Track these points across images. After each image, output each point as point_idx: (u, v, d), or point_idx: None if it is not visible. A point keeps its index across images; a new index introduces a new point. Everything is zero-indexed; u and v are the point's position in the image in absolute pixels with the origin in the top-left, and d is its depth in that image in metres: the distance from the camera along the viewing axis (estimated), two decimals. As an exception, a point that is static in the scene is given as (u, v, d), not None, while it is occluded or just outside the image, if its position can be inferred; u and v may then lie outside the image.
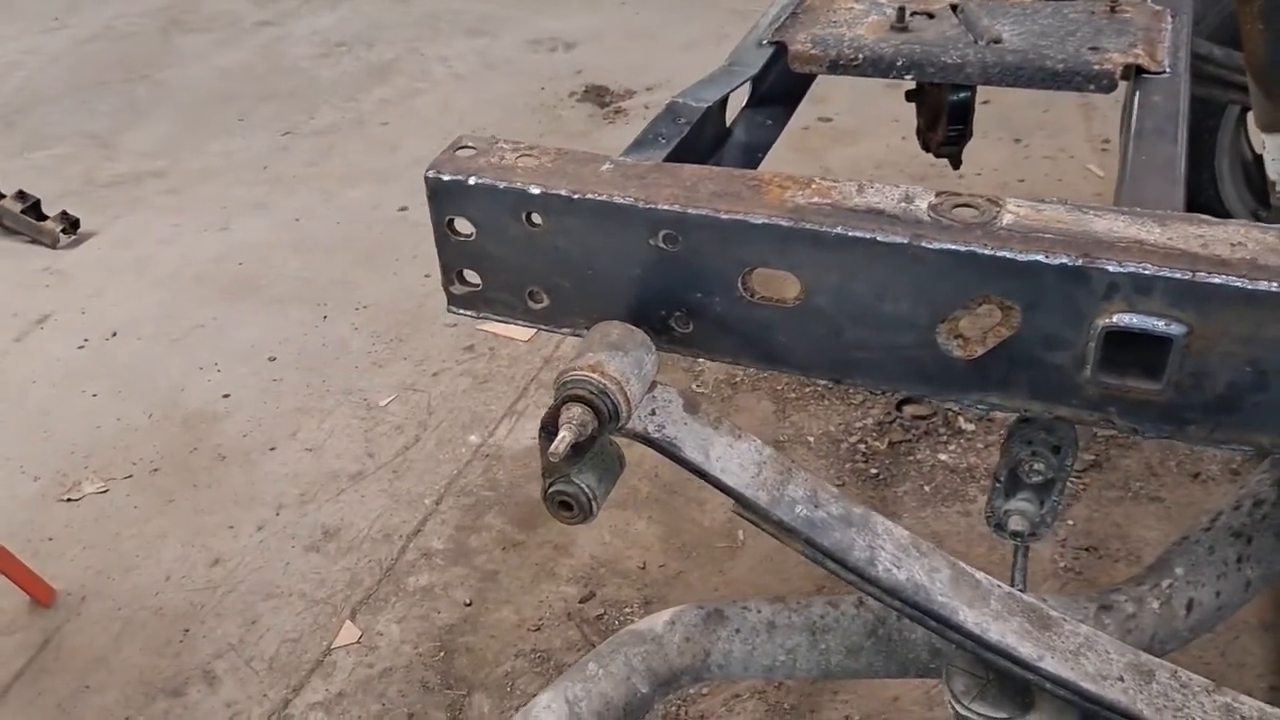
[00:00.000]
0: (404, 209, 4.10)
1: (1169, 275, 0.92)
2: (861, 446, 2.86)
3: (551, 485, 1.11)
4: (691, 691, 2.27)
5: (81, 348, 3.50)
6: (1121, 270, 0.93)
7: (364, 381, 3.26)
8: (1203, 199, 2.90)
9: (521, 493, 2.82)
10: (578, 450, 1.03)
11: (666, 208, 1.07)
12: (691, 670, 1.31)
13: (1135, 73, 1.40)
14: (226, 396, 3.23)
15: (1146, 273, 0.92)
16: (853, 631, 1.31)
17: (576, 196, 1.10)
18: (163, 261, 3.93)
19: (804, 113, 1.75)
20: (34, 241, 4.05)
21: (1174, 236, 0.96)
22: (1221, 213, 2.95)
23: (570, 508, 1.12)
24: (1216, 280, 0.91)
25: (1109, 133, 4.16)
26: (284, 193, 4.35)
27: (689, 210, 1.06)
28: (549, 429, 1.05)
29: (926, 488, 2.73)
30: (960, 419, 2.90)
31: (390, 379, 3.26)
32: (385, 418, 3.11)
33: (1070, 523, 2.58)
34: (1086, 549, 2.52)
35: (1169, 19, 1.51)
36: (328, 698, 2.33)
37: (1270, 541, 1.30)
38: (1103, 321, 0.95)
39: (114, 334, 3.55)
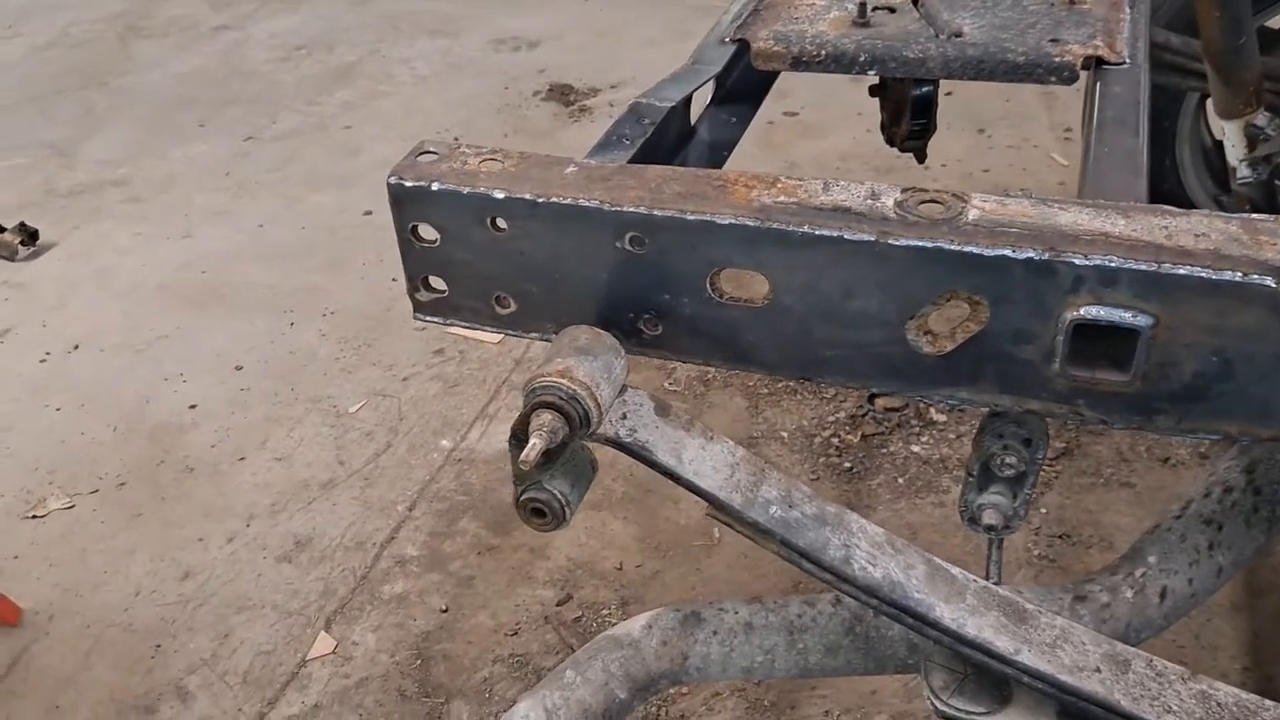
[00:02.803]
0: (369, 213, 4.07)
1: (1134, 267, 0.92)
2: (835, 440, 2.86)
3: (524, 492, 1.10)
4: (671, 692, 2.26)
5: (43, 361, 3.44)
6: (1087, 263, 0.93)
7: (333, 388, 3.23)
8: (1165, 187, 2.92)
9: (495, 497, 2.80)
10: (549, 457, 1.02)
11: (632, 210, 1.06)
12: (670, 674, 1.30)
13: (1096, 64, 1.40)
14: (193, 407, 3.19)
15: (1112, 265, 0.93)
16: (830, 630, 1.31)
17: (541, 200, 1.09)
18: (125, 271, 3.88)
19: (769, 107, 1.75)
20: (-8, 254, 3.99)
21: (1138, 228, 0.96)
22: (1184, 200, 2.98)
23: (543, 515, 1.11)
24: (1181, 271, 0.91)
25: (1071, 121, 4.19)
26: (247, 199, 4.30)
27: (655, 212, 1.05)
28: (519, 436, 1.04)
29: (900, 480, 2.74)
30: (932, 411, 2.91)
31: (360, 385, 3.23)
32: (355, 424, 3.08)
33: (1043, 510, 2.60)
34: (1060, 536, 2.54)
35: (1127, 9, 1.52)
36: (304, 710, 2.31)
37: (1240, 528, 1.32)
38: (1070, 314, 0.95)
39: (76, 346, 3.50)
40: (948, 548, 2.49)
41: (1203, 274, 0.91)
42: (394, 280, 3.63)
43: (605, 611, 2.47)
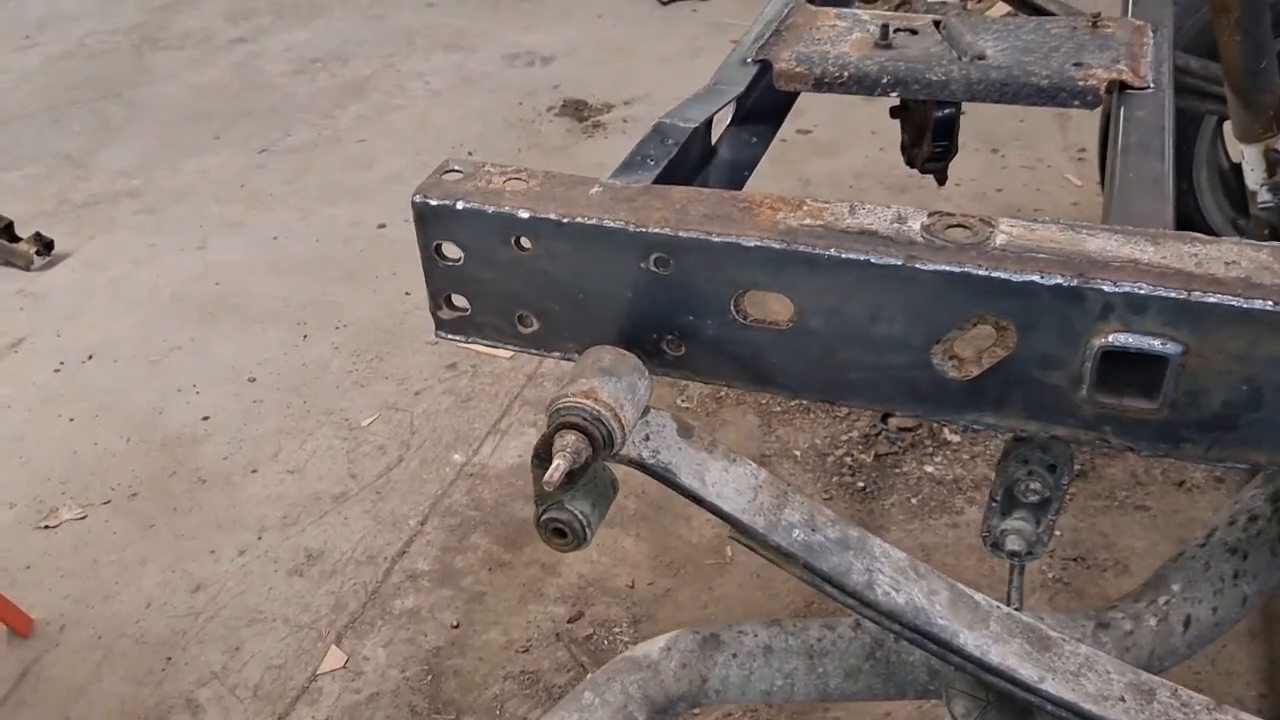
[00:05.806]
0: (382, 226, 4.08)
1: (1164, 295, 0.92)
2: (848, 460, 2.85)
3: (545, 512, 1.10)
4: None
5: (57, 371, 3.45)
6: (1117, 290, 0.93)
7: (345, 401, 3.23)
8: (1182, 210, 2.91)
9: (507, 512, 2.79)
10: (571, 478, 1.02)
11: (657, 231, 1.06)
12: (689, 697, 1.29)
13: (1119, 88, 1.40)
14: (206, 419, 3.19)
15: (1142, 292, 0.92)
16: (850, 654, 1.30)
17: (566, 220, 1.09)
18: (139, 282, 3.89)
19: (783, 125, 1.75)
20: (7, 264, 4.00)
21: (1168, 255, 0.96)
22: (1201, 223, 2.97)
23: (564, 535, 1.11)
24: (1212, 299, 0.91)
25: (1085, 142, 4.19)
26: (261, 211, 4.31)
27: (680, 233, 1.05)
28: (542, 456, 1.04)
29: (914, 500, 2.73)
30: (945, 431, 2.90)
31: (372, 398, 3.23)
32: (368, 438, 3.08)
33: (1058, 533, 2.59)
34: (1075, 559, 2.52)
35: (1150, 33, 1.52)
36: (314, 725, 2.30)
37: (1265, 557, 1.30)
38: (1098, 341, 0.95)
39: (90, 357, 3.51)
40: (961, 569, 2.48)
41: (1234, 302, 0.90)
42: (407, 294, 3.63)
43: (617, 629, 2.46)
